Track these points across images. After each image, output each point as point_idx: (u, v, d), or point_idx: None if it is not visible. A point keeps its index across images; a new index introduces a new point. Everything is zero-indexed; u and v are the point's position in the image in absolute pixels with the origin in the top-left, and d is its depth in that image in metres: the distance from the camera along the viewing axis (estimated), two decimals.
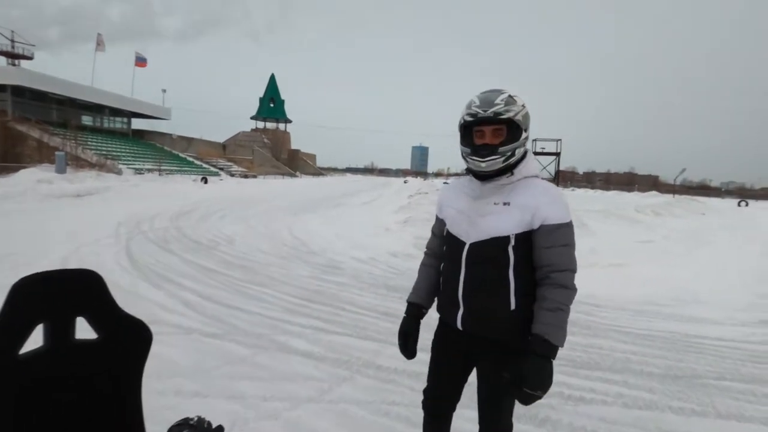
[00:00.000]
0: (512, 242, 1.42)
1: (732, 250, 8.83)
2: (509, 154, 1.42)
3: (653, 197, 31.42)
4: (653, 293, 5.45)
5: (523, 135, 1.44)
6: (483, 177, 1.49)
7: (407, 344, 1.68)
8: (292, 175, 53.65)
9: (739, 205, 31.20)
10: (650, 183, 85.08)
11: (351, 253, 7.38)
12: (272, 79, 72.36)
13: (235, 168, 43.68)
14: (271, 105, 71.31)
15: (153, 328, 1.27)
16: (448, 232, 1.59)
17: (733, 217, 17.81)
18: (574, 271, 1.41)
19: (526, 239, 1.42)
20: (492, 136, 1.43)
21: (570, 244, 1.41)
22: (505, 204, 1.44)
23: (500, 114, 1.39)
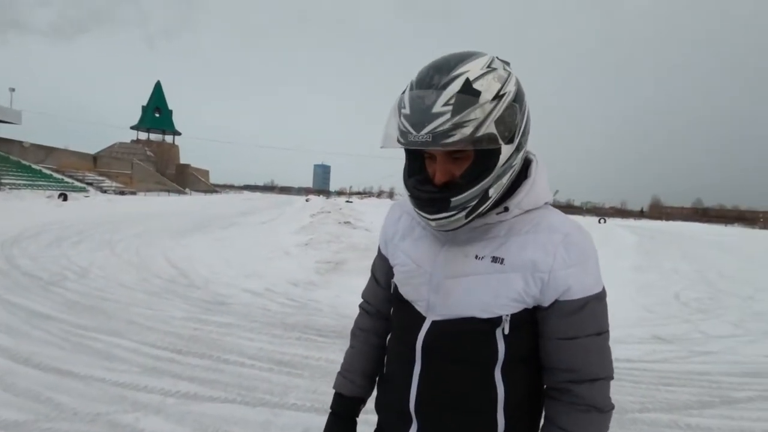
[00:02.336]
0: (504, 327, 0.82)
1: (607, 266, 9.73)
2: (476, 201, 0.77)
3: None
4: None
5: (505, 150, 0.76)
6: None
7: None
8: (181, 192, 48.73)
9: (599, 222, 36.27)
10: None
11: (242, 283, 6.34)
12: (158, 86, 66.03)
13: (107, 183, 38.19)
14: (157, 115, 64.78)
15: None
16: (395, 290, 0.96)
17: (598, 233, 20.34)
18: (609, 377, 0.83)
19: (528, 321, 0.83)
20: (447, 163, 0.78)
21: (603, 332, 0.82)
22: (495, 260, 0.81)
23: (444, 136, 0.71)
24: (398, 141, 0.75)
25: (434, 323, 0.85)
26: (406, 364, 0.88)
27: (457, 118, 0.70)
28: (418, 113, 0.72)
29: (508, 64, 0.80)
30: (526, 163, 0.86)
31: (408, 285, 0.91)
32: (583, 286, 0.79)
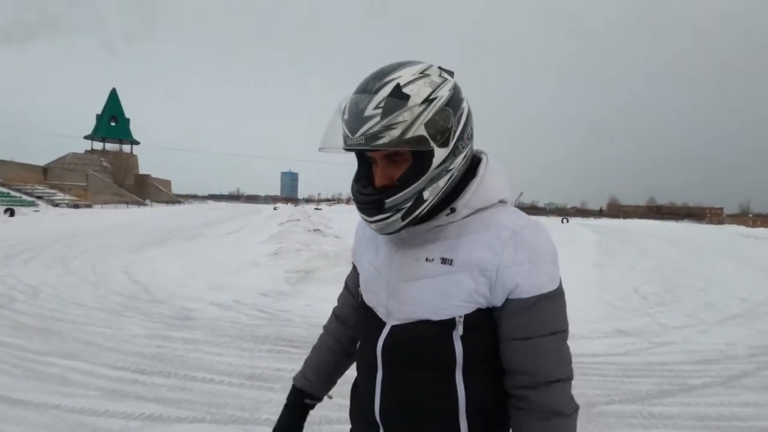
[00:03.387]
0: (459, 328, 0.81)
1: (571, 264, 10.09)
2: (410, 203, 0.77)
3: None
4: None
5: (438, 152, 0.77)
6: None
7: None
8: (141, 204, 46.76)
9: (562, 222, 37.60)
10: None
11: (209, 297, 6.13)
12: (113, 94, 63.44)
13: (60, 196, 36.17)
14: (113, 123, 62.11)
15: None
16: (361, 297, 0.96)
17: (561, 232, 21.07)
18: (568, 378, 0.81)
19: (485, 321, 0.82)
20: (386, 167, 0.79)
21: (560, 331, 0.81)
22: (444, 262, 0.81)
23: (375, 138, 0.73)
24: (344, 141, 0.78)
25: (393, 328, 0.86)
26: (370, 371, 0.89)
27: (385, 121, 0.73)
28: (353, 117, 0.75)
29: (451, 73, 0.82)
30: (476, 163, 0.87)
31: (369, 291, 0.93)
32: (533, 284, 0.78)
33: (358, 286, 0.99)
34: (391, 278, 0.87)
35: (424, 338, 0.83)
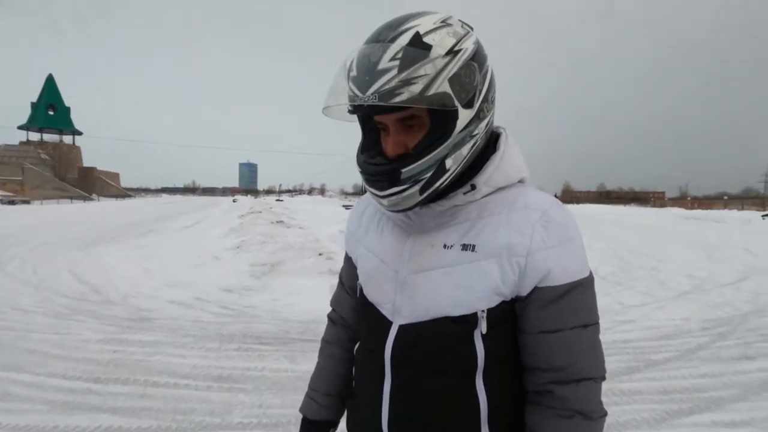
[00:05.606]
0: (482, 325, 0.70)
1: None
2: (431, 173, 0.67)
3: None
4: None
5: (463, 114, 0.67)
6: None
7: None
8: (86, 199, 43.81)
9: None
10: None
11: (167, 295, 5.77)
12: (50, 80, 58.69)
13: None
14: (51, 113, 57.51)
15: None
16: (361, 293, 0.84)
17: None
18: (600, 378, 0.72)
19: (507, 316, 0.72)
20: (400, 133, 0.69)
21: (592, 323, 0.72)
22: (465, 248, 0.71)
23: (391, 95, 0.62)
24: (351, 102, 0.67)
25: (402, 328, 0.75)
26: (375, 378, 0.77)
27: (404, 74, 0.62)
28: (363, 72, 0.64)
29: (471, 28, 0.72)
30: (495, 137, 0.78)
31: (371, 284, 0.81)
32: (565, 270, 0.69)
33: (356, 279, 0.87)
34: (401, 269, 0.76)
35: (441, 339, 0.72)
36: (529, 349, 0.72)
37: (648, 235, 14.36)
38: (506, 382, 0.74)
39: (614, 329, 4.65)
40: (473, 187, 0.72)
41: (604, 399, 0.71)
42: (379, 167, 0.69)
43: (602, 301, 5.86)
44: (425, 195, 0.69)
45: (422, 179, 0.68)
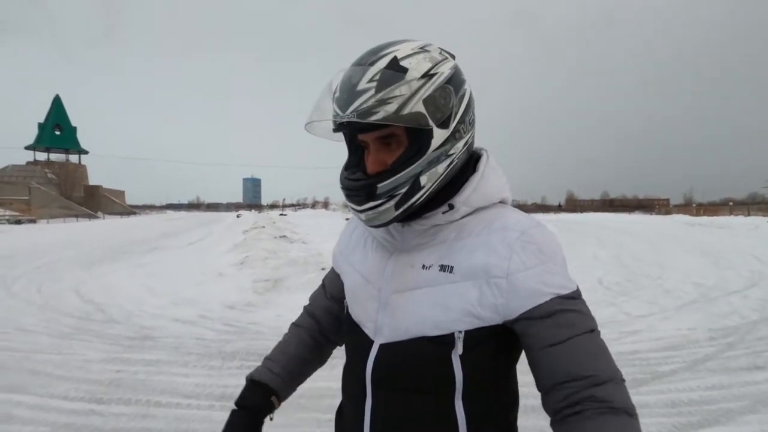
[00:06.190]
0: (458, 347, 0.70)
1: None
2: (406, 188, 0.70)
3: None
4: None
5: (438, 134, 0.70)
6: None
7: None
8: (92, 217, 44.15)
9: None
10: None
11: (171, 313, 5.78)
12: (57, 101, 59.70)
13: None
14: (57, 132, 58.38)
15: None
16: (347, 312, 0.86)
17: None
18: (621, 379, 0.68)
19: (488, 338, 0.71)
20: (379, 151, 0.72)
21: (596, 329, 0.71)
22: (443, 269, 0.73)
23: (368, 113, 0.66)
24: (333, 119, 0.72)
25: (382, 347, 0.76)
26: (357, 397, 0.79)
27: (380, 95, 0.66)
28: (344, 92, 0.69)
29: (452, 55, 0.75)
30: (476, 158, 0.81)
31: (356, 303, 0.83)
32: (551, 288, 0.69)
33: (337, 290, 0.91)
34: (383, 288, 0.78)
35: (420, 358, 0.73)
36: (543, 366, 0.69)
37: (652, 243, 14.26)
38: (489, 409, 0.74)
39: (621, 340, 4.60)
40: (451, 207, 0.74)
41: None
42: (358, 182, 0.73)
43: (607, 311, 5.81)
44: (401, 210, 0.72)
45: (397, 194, 0.70)
